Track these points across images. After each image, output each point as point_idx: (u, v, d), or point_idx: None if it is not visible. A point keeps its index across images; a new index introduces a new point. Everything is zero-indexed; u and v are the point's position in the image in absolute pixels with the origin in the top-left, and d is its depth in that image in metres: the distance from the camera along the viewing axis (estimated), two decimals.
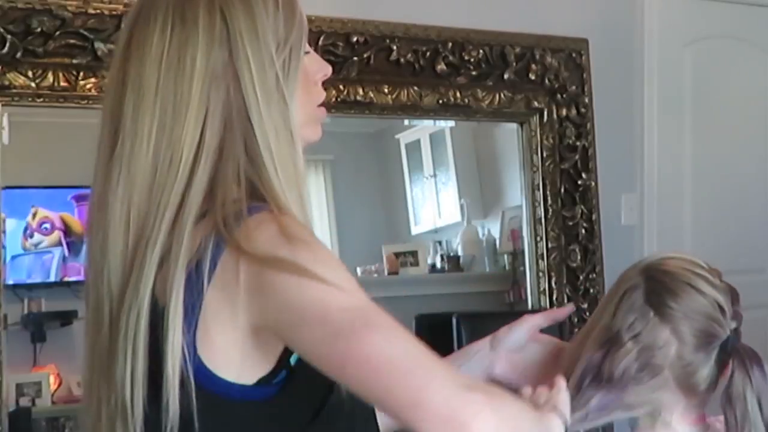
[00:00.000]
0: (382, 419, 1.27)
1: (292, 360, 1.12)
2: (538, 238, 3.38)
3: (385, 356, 0.99)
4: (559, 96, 3.38)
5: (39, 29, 2.58)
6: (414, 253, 4.63)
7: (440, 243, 4.62)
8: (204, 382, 1.07)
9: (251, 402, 1.10)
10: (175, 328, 1.05)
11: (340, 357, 1.01)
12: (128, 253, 1.11)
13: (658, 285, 1.40)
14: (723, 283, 1.42)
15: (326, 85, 1.29)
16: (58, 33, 2.60)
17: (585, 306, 3.34)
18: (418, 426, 0.98)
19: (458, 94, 3.21)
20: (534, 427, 1.09)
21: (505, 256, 4.31)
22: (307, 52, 1.21)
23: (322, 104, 1.26)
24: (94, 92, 2.67)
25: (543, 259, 3.37)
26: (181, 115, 1.11)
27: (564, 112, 3.40)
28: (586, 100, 3.44)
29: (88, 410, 1.17)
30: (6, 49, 2.54)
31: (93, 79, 2.66)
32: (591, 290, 3.40)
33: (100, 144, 1.17)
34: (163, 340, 1.06)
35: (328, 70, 1.26)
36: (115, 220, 1.12)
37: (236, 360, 1.08)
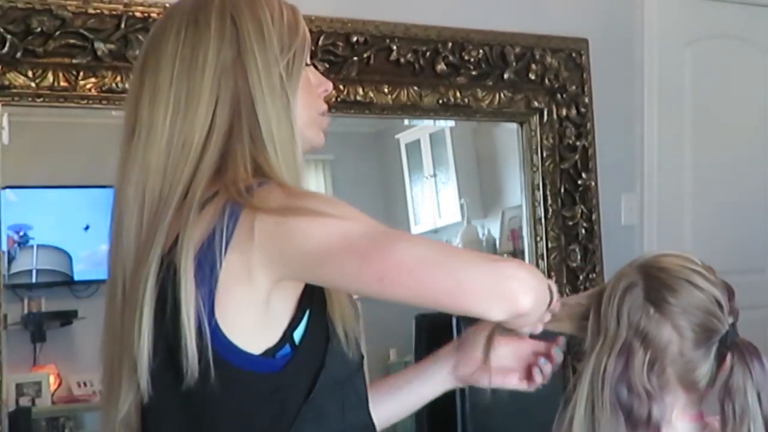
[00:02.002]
0: (378, 414, 1.32)
1: (296, 336, 1.18)
2: (538, 238, 3.38)
3: (415, 256, 1.09)
4: (559, 96, 3.38)
5: (39, 29, 2.58)
6: None
7: None
8: (219, 346, 1.15)
9: (256, 373, 1.17)
10: (186, 280, 1.14)
11: (375, 272, 1.10)
12: (142, 231, 1.22)
13: (656, 282, 1.41)
14: (718, 279, 1.43)
15: None
16: (58, 33, 2.60)
17: None
18: (467, 306, 1.10)
19: (458, 94, 3.21)
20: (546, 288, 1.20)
21: (505, 256, 4.31)
22: (307, 64, 1.31)
23: (324, 115, 1.37)
24: (94, 92, 2.67)
25: (543, 259, 3.37)
26: (193, 103, 1.22)
27: (564, 112, 3.39)
28: (586, 100, 3.43)
29: (103, 378, 1.28)
30: (6, 49, 2.54)
31: (93, 79, 2.66)
32: None
33: (121, 144, 1.27)
34: (177, 291, 1.14)
35: (329, 85, 1.37)
36: (129, 202, 1.23)
37: (245, 326, 1.16)
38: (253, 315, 1.17)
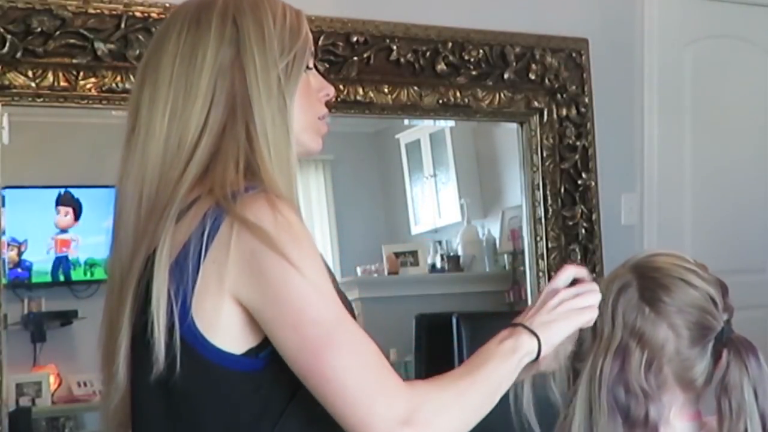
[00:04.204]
0: None
1: None
2: (538, 238, 3.37)
3: (340, 383, 1.14)
4: (559, 96, 3.38)
5: (39, 29, 2.58)
6: (414, 253, 4.63)
7: (440, 243, 4.63)
8: (194, 343, 1.17)
9: (237, 372, 1.19)
10: (159, 279, 1.17)
11: (304, 368, 1.16)
12: (140, 226, 1.24)
13: (650, 281, 1.40)
14: (711, 276, 1.43)
15: None
16: (58, 33, 2.60)
17: None
18: None
19: (458, 94, 3.21)
20: (481, 404, 1.24)
21: (505, 256, 4.32)
22: (309, 68, 1.32)
23: (324, 120, 1.37)
24: (94, 92, 2.67)
25: (543, 259, 3.37)
26: (189, 102, 1.24)
27: (564, 112, 3.39)
28: (586, 100, 3.43)
29: (101, 370, 1.30)
30: (6, 49, 2.54)
31: (93, 79, 2.66)
32: None
33: (123, 142, 1.29)
34: (149, 290, 1.17)
35: (331, 90, 1.37)
36: (128, 199, 1.25)
37: (224, 327, 1.18)
38: (232, 317, 1.18)
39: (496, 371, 1.27)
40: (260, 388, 1.19)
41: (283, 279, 1.14)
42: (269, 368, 1.19)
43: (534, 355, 1.30)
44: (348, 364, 1.15)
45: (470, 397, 1.23)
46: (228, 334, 1.18)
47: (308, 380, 1.16)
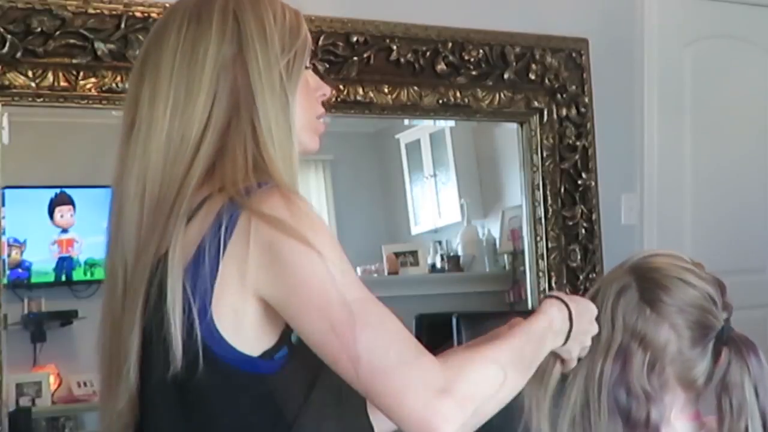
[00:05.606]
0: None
1: (293, 338, 1.19)
2: (538, 238, 3.38)
3: (372, 359, 1.12)
4: (559, 96, 3.38)
5: (39, 29, 2.58)
6: (414, 253, 4.63)
7: (440, 243, 4.62)
8: (212, 343, 1.15)
9: (253, 374, 1.17)
10: (173, 271, 1.15)
11: (333, 351, 1.13)
12: (143, 225, 1.22)
13: (649, 282, 1.40)
14: (708, 275, 1.42)
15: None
16: (58, 33, 2.60)
17: None
18: (397, 424, 1.14)
19: (458, 94, 3.21)
20: (517, 372, 1.23)
21: (505, 256, 4.31)
22: (307, 67, 1.31)
23: (321, 120, 1.36)
24: (94, 92, 2.67)
25: (543, 259, 3.37)
26: (192, 98, 1.23)
27: (564, 112, 3.40)
28: (586, 100, 3.44)
29: (101, 369, 1.28)
30: (6, 49, 2.54)
31: (93, 79, 2.66)
32: None
33: (121, 138, 1.27)
34: (164, 291, 1.15)
35: (328, 90, 1.37)
36: (130, 196, 1.23)
37: (244, 327, 1.16)
38: (251, 317, 1.17)
39: (538, 358, 1.29)
40: (275, 391, 1.18)
41: (304, 262, 1.13)
42: (283, 371, 1.18)
43: None
44: (377, 341, 1.13)
45: (501, 374, 1.21)
46: (246, 334, 1.16)
47: (337, 363, 1.13)
